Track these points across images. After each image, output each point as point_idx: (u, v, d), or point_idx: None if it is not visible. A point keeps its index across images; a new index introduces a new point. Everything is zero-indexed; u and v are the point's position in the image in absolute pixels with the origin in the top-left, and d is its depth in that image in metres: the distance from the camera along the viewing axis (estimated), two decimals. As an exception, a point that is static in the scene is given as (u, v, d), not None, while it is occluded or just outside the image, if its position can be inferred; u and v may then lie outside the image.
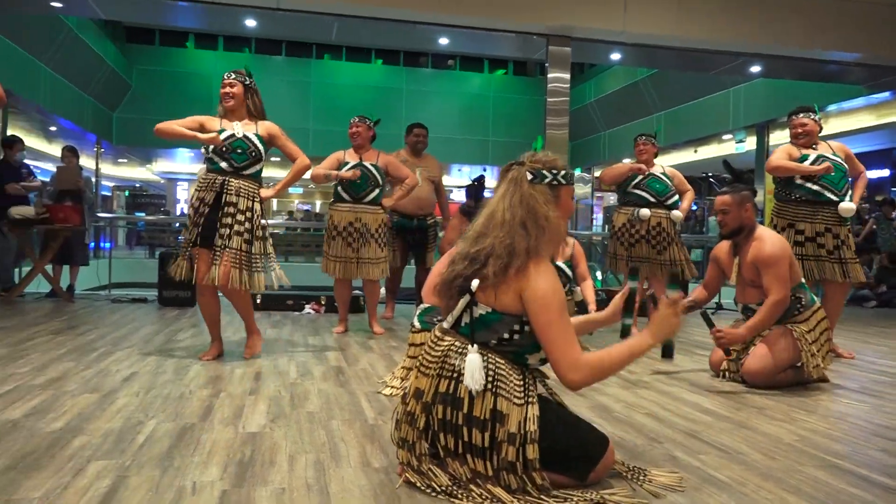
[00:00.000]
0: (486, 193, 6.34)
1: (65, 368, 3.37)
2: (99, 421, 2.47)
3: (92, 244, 9.91)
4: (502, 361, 1.83)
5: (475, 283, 1.81)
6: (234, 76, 3.83)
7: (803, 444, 2.43)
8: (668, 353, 3.54)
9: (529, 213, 1.84)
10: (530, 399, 1.82)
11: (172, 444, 2.24)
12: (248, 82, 3.86)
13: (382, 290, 6.80)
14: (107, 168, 21.06)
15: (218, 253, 3.64)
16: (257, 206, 3.77)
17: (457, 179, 22.92)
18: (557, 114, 7.16)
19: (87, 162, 15.02)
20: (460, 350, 1.84)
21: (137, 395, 2.90)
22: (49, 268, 6.52)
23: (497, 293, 1.81)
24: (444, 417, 1.80)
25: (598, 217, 20.71)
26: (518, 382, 1.83)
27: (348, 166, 4.85)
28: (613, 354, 1.85)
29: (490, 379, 1.79)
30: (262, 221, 3.81)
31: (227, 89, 3.81)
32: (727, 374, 3.56)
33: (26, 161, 7.19)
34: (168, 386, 3.09)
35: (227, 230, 3.65)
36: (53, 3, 6.80)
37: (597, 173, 18.50)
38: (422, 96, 18.62)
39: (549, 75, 7.13)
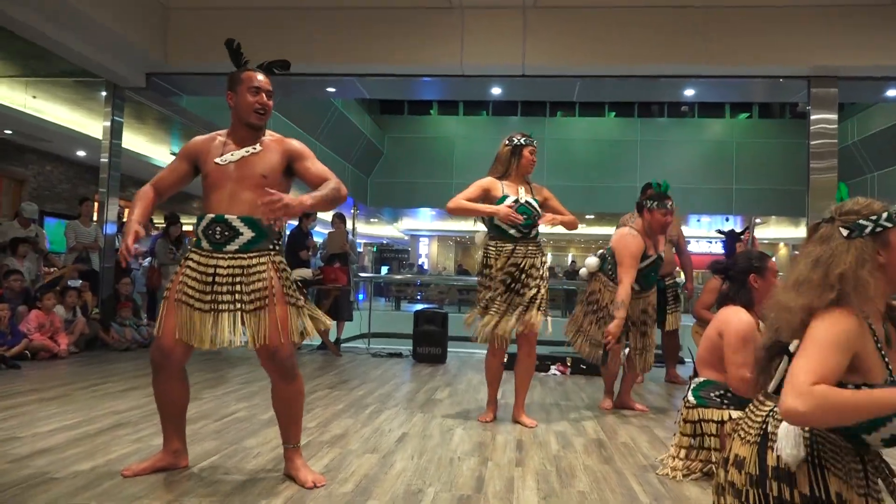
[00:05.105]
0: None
1: (345, 425, 3.66)
2: (383, 485, 2.62)
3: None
4: (834, 436, 1.59)
5: (794, 343, 1.61)
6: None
7: None
8: None
9: (825, 273, 1.61)
10: (873, 493, 1.57)
11: (454, 517, 2.29)
12: None
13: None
14: (360, 227, 23.25)
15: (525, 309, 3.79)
16: (545, 264, 3.91)
17: (694, 230, 21.75)
18: (823, 157, 6.54)
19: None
20: (780, 416, 1.61)
21: (412, 458, 3.04)
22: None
23: None
24: (778, 494, 1.59)
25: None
26: (856, 467, 1.58)
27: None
28: (857, 395, 1.45)
29: (814, 453, 1.57)
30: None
31: (535, 158, 3.93)
32: None
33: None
34: (437, 450, 3.20)
35: (529, 290, 3.79)
36: (329, 89, 7.73)
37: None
38: (657, 146, 17.95)
39: (813, 117, 6.54)
